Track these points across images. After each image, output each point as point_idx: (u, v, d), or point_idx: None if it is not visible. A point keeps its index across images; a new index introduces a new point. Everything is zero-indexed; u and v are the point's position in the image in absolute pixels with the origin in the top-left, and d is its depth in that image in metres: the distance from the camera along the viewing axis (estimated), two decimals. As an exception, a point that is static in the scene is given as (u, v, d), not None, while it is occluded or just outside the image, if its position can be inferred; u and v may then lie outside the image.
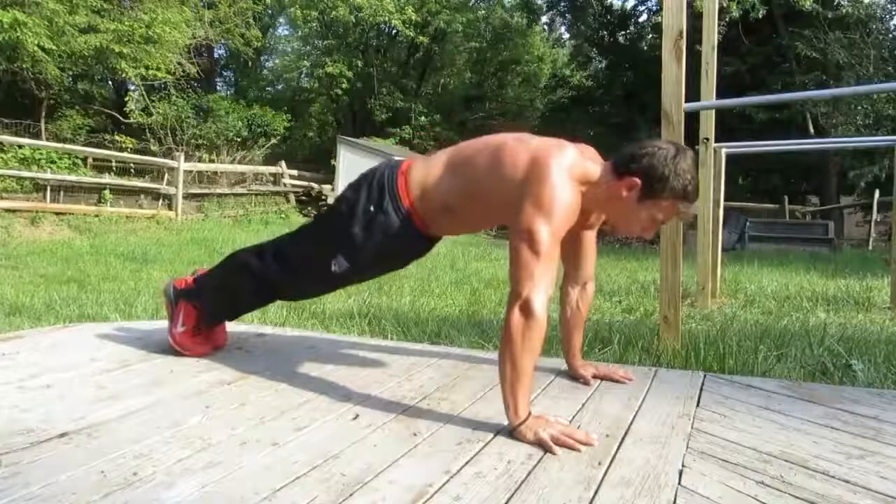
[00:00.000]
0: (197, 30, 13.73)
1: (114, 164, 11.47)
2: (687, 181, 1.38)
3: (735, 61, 14.70)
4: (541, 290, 1.31)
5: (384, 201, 1.54)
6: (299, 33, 21.11)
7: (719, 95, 3.88)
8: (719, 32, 4.70)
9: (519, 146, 1.46)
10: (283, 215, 12.71)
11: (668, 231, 2.18)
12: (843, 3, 14.81)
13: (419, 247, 1.67)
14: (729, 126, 12.06)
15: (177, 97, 13.48)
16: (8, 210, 8.61)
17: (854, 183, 14.35)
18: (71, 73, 12.07)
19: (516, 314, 1.29)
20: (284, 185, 13.76)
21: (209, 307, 1.87)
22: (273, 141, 15.25)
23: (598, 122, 21.16)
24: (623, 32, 21.23)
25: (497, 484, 1.09)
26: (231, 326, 2.13)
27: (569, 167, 1.39)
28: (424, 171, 1.57)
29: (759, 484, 1.12)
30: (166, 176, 11.26)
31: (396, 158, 1.70)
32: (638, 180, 1.39)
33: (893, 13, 15.73)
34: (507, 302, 1.34)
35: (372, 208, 1.54)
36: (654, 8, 18.63)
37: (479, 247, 8.82)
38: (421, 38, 18.61)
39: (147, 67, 12.00)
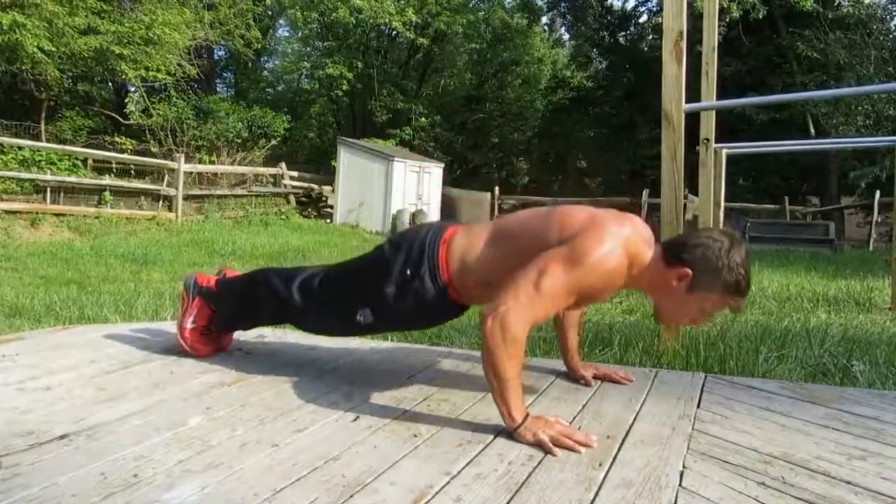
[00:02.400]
0: (197, 31, 13.73)
1: (114, 165, 11.48)
2: (740, 275, 1.32)
3: (735, 62, 14.74)
4: (521, 313, 1.26)
5: (422, 269, 1.49)
6: (299, 35, 21.10)
7: (720, 96, 3.88)
8: (719, 33, 4.70)
9: (575, 208, 1.43)
10: (283, 216, 12.70)
11: (667, 231, 2.18)
12: (843, 3, 14.85)
13: (451, 314, 1.64)
14: (729, 127, 12.08)
15: (177, 98, 13.49)
16: (8, 212, 8.62)
17: (854, 183, 14.37)
18: (71, 74, 12.09)
19: (489, 325, 1.26)
20: (285, 186, 13.76)
21: (223, 313, 1.87)
22: (273, 142, 15.24)
23: (598, 122, 21.22)
24: (623, 33, 21.29)
25: (498, 485, 1.09)
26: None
27: (626, 237, 1.34)
28: (466, 241, 1.52)
29: (760, 485, 1.12)
30: (166, 177, 11.27)
31: (441, 223, 1.65)
32: (689, 271, 1.33)
33: (894, 13, 15.74)
34: (482, 314, 1.29)
35: (409, 273, 1.50)
36: (655, 9, 18.67)
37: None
38: (421, 39, 18.60)
39: (147, 69, 12.01)
